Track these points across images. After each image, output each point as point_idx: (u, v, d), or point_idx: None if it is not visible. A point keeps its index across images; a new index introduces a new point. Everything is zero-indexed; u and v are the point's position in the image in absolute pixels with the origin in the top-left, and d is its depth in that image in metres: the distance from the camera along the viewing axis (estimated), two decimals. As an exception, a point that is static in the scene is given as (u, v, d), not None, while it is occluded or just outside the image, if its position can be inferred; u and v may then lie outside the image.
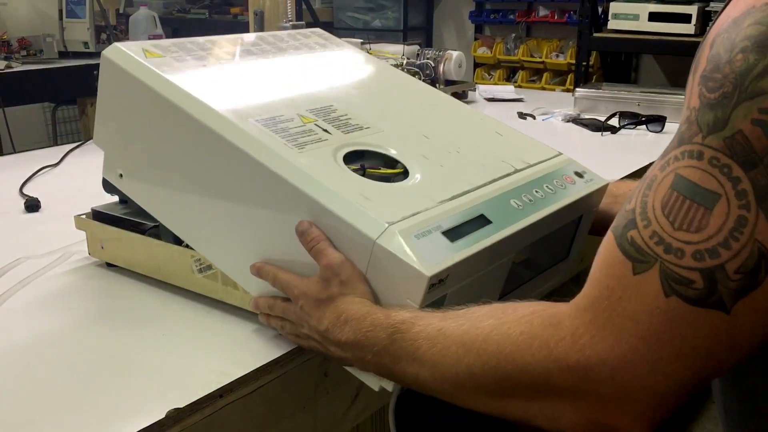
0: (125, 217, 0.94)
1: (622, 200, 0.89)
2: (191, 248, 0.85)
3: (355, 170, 0.75)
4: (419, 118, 0.93)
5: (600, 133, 1.82)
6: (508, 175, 0.81)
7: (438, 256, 0.66)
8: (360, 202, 0.69)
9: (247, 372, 0.72)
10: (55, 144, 3.68)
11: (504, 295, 0.81)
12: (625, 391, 0.49)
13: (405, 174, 0.77)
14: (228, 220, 0.78)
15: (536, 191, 0.80)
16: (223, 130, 0.75)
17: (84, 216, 0.98)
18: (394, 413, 0.82)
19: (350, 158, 0.77)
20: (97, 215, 0.97)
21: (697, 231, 0.47)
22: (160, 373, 0.73)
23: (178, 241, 0.87)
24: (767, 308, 0.47)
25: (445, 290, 0.67)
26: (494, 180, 0.79)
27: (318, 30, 1.10)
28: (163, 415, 0.64)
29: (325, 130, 0.80)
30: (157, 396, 0.68)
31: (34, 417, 0.66)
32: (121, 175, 0.88)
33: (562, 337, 0.51)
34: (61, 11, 3.04)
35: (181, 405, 0.66)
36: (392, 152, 0.80)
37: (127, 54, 0.83)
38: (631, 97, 2.00)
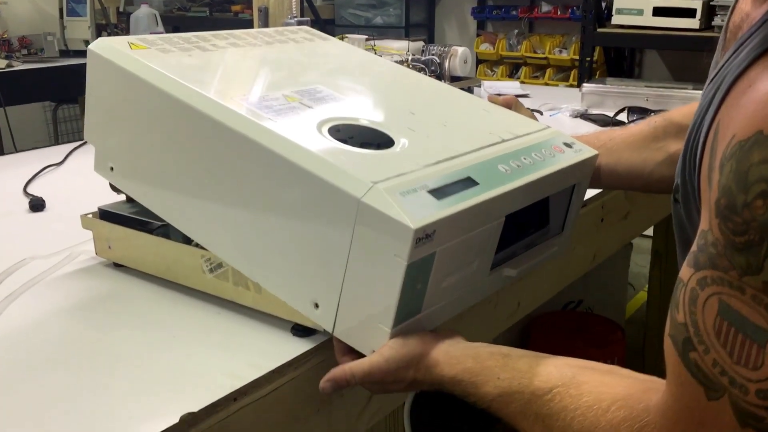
0: (133, 216, 0.92)
1: (604, 151, 0.93)
2: (201, 247, 0.83)
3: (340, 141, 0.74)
4: (406, 97, 0.94)
5: (609, 128, 1.81)
6: (496, 144, 0.81)
7: (424, 212, 0.65)
8: (344, 165, 0.68)
9: (261, 375, 0.70)
10: (57, 143, 3.67)
11: (496, 266, 0.80)
12: None
13: (391, 143, 0.77)
14: (221, 202, 0.77)
15: (524, 158, 0.79)
16: (206, 108, 0.75)
17: (90, 215, 0.96)
18: (410, 415, 0.80)
19: (336, 133, 0.76)
20: (104, 214, 0.95)
21: (755, 368, 0.48)
22: (172, 377, 0.71)
23: (187, 240, 0.85)
24: None
25: (432, 248, 0.66)
26: (482, 148, 0.79)
27: (305, 27, 1.10)
28: (176, 420, 0.63)
29: (310, 107, 0.79)
30: (170, 400, 0.67)
31: (42, 420, 0.64)
32: (112, 168, 0.87)
33: None
34: (61, 10, 3.03)
35: (195, 409, 0.64)
36: (378, 125, 0.79)
37: (113, 47, 0.84)
38: (639, 92, 1.97)
